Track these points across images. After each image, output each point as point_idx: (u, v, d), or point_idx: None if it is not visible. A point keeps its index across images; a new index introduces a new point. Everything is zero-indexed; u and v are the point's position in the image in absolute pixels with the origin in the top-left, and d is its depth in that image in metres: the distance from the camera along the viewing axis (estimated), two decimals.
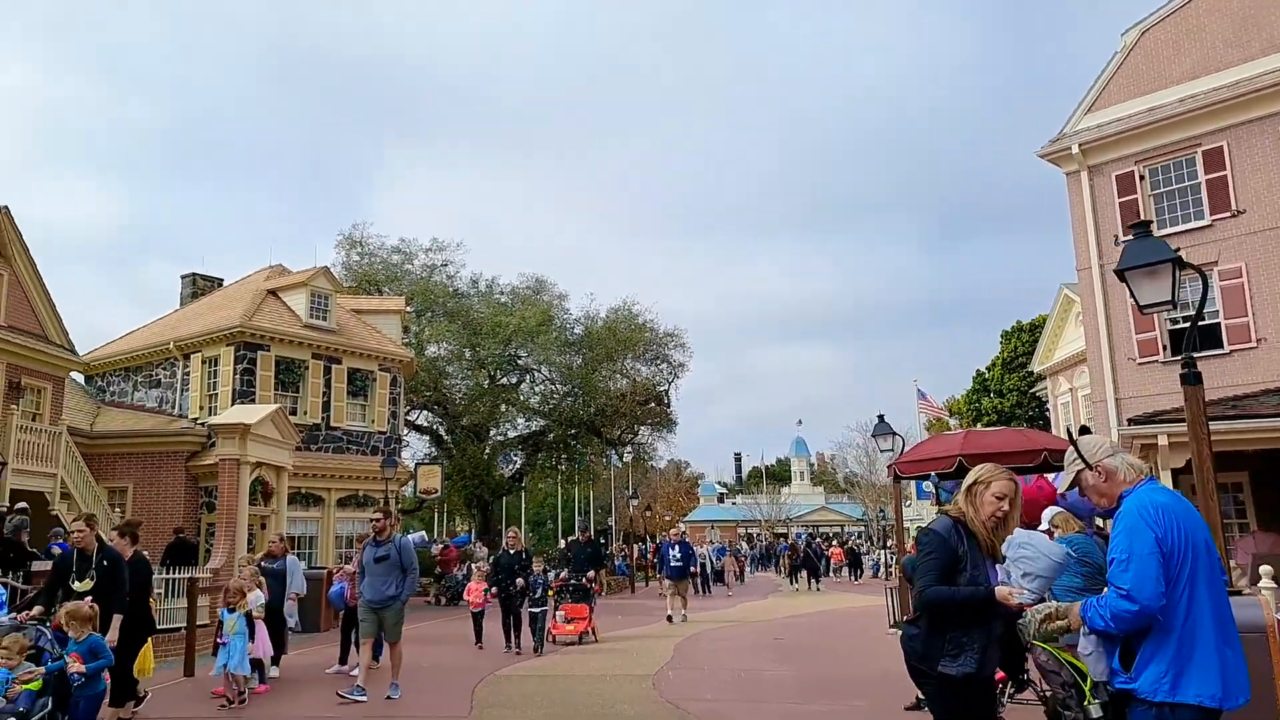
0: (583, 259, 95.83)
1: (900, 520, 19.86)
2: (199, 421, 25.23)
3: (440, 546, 34.37)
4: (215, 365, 26.10)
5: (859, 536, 66.71)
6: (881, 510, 73.20)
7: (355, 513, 27.93)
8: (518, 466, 44.63)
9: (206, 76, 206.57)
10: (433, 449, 42.18)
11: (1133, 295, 8.17)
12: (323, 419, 27.49)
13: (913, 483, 47.62)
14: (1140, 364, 21.01)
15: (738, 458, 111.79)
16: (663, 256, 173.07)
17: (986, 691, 4.55)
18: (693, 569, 27.86)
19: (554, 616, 16.65)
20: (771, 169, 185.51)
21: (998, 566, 4.58)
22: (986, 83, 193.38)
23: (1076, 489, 4.41)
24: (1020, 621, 4.29)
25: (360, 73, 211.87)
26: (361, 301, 32.92)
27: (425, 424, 42.49)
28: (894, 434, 19.61)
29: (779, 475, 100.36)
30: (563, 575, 18.20)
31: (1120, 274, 8.07)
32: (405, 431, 34.71)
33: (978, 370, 59.57)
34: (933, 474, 16.15)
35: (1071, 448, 4.31)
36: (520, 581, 15.38)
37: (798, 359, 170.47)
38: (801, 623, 21.83)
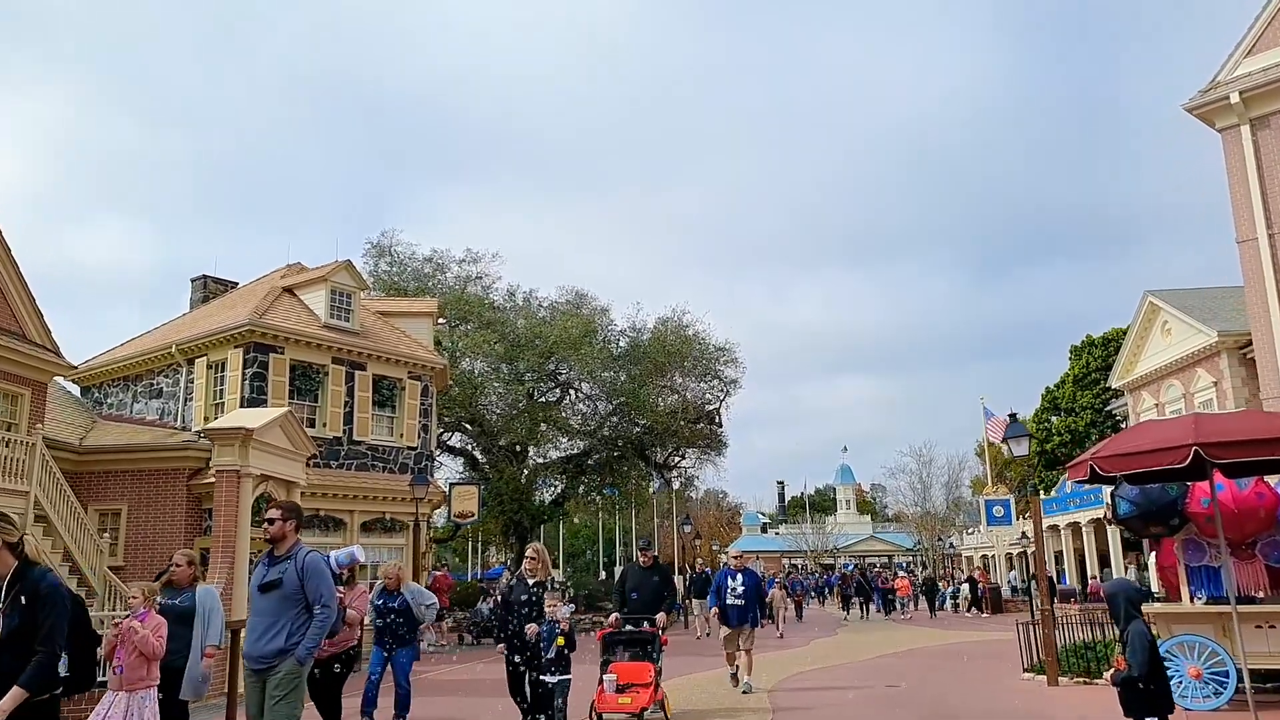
0: (622, 292, 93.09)
1: (1040, 539, 16.29)
2: (202, 434, 21.97)
3: (436, 574, 30.23)
4: (222, 370, 22.92)
5: (920, 565, 62.48)
6: (939, 538, 69.13)
7: (382, 538, 24.61)
8: (559, 491, 41.27)
9: (245, 114, 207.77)
10: (467, 472, 38.86)
11: None
12: (344, 431, 24.16)
13: (981, 506, 43.85)
14: None
15: (780, 486, 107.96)
16: (703, 290, 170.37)
17: None
18: (766, 601, 23.01)
19: (600, 681, 10.89)
20: (813, 200, 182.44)
21: None
22: (1025, 112, 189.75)
23: None
24: None
25: (410, 115, 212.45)
26: (389, 303, 29.64)
27: (459, 445, 39.26)
28: (1030, 436, 16.03)
29: (821, 505, 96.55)
30: (614, 618, 11.94)
31: None
32: (437, 450, 31.37)
33: (1046, 388, 55.81)
34: (1118, 475, 12.61)
35: None
36: (532, 629, 9.85)
37: (837, 391, 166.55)
38: (901, 665, 18.44)
